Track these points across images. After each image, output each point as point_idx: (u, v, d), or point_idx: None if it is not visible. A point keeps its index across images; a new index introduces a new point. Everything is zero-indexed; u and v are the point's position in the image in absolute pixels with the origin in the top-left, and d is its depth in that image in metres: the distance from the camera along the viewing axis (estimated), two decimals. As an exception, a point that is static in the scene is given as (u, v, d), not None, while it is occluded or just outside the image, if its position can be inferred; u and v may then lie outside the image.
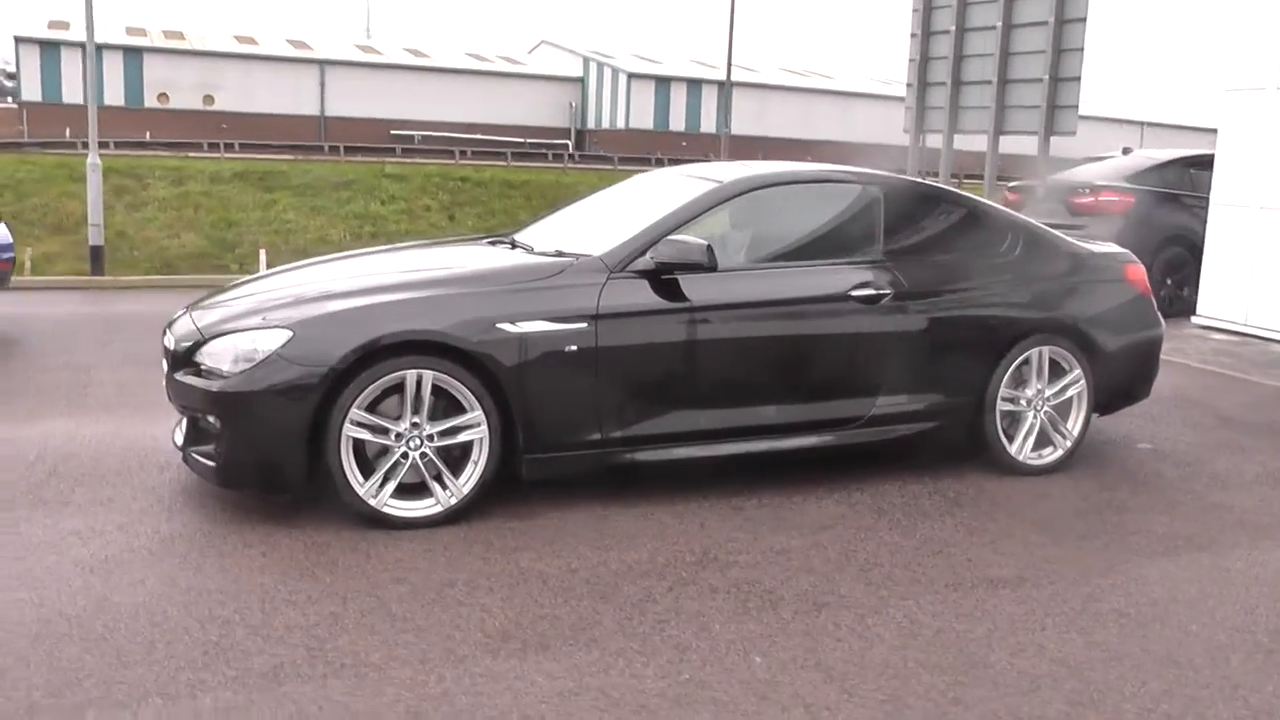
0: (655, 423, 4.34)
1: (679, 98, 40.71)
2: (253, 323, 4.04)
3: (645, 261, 4.29)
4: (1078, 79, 18.65)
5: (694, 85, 41.09)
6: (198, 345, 4.11)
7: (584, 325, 4.15)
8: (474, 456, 4.09)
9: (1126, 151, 11.98)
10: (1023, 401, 4.95)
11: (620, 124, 40.21)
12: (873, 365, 4.63)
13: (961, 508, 4.56)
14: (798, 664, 3.13)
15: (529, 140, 34.67)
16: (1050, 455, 5.02)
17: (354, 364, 3.87)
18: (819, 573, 3.81)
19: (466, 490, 4.09)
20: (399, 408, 4.01)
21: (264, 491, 4.22)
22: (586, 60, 42.35)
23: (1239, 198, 8.65)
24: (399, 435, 4.00)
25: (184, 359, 4.15)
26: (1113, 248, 5.37)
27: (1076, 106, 18.82)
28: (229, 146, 25.23)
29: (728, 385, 4.45)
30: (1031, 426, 4.97)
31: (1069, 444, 5.05)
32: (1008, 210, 5.23)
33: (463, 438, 4.06)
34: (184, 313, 4.48)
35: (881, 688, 3.01)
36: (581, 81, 42.24)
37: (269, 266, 12.55)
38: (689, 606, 3.48)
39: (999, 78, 20.09)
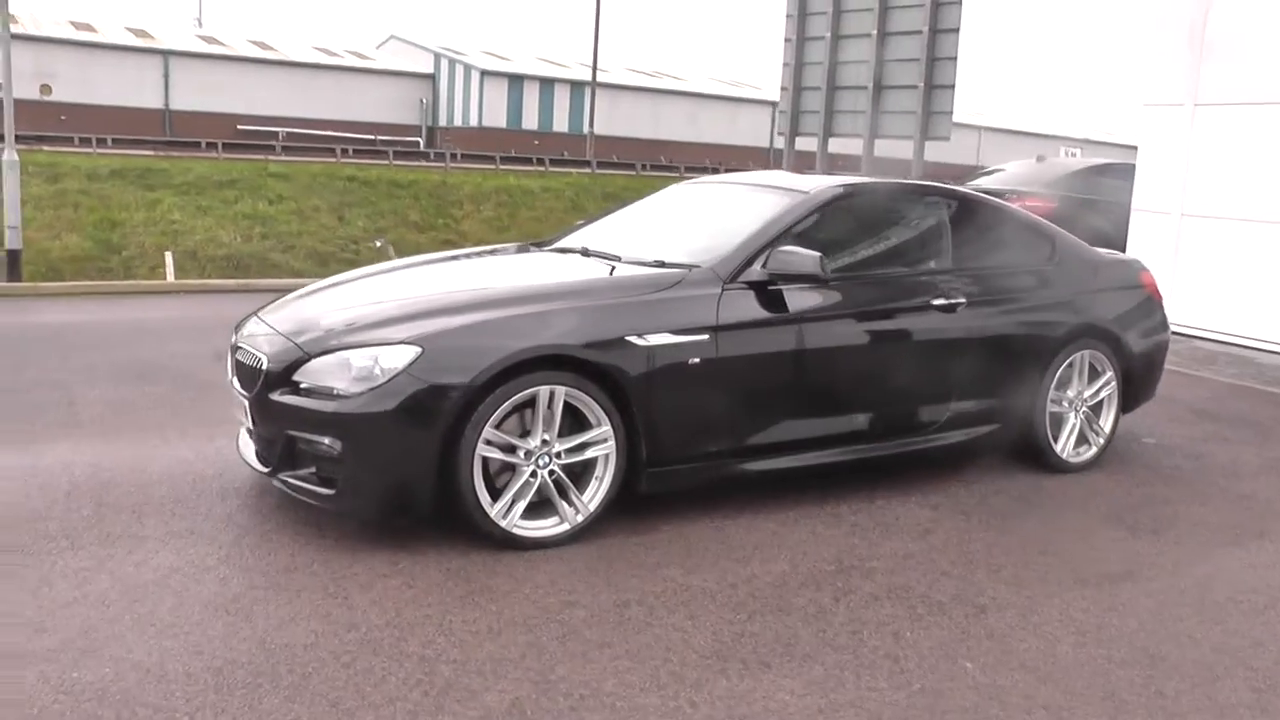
0: (766, 433, 4.34)
1: (532, 96, 40.48)
2: (371, 338, 3.79)
3: (756, 272, 4.27)
4: (951, 86, 19.65)
5: (546, 84, 40.94)
6: (299, 363, 3.83)
7: (705, 337, 4.10)
8: (597, 473, 3.98)
9: (1041, 159, 12.74)
10: (1065, 403, 5.21)
11: (473, 121, 39.62)
12: (948, 371, 4.78)
13: (1034, 506, 4.76)
14: (1004, 666, 3.20)
15: (379, 138, 33.64)
16: (1087, 453, 5.31)
17: (489, 380, 3.70)
18: (955, 575, 3.91)
19: (593, 507, 3.97)
20: (519, 425, 3.85)
21: (389, 518, 3.94)
22: (438, 56, 41.48)
23: (1160, 205, 9.37)
24: (528, 453, 3.85)
25: (281, 378, 3.85)
26: (1124, 255, 5.73)
27: (950, 113, 19.84)
28: (101, 141, 23.45)
29: (828, 394, 4.50)
30: (1073, 427, 5.25)
31: (1102, 442, 5.36)
32: (1045, 220, 5.50)
33: (589, 454, 3.94)
34: (265, 326, 4.15)
35: (1091, 685, 3.13)
36: (433, 78, 41.35)
37: (176, 271, 11.73)
38: (867, 615, 3.50)
39: (874, 84, 21.00)
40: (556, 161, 28.27)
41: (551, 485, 3.88)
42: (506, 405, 3.74)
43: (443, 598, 3.45)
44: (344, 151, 25.21)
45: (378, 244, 14.70)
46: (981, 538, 4.32)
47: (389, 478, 3.73)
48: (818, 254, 4.21)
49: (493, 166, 26.15)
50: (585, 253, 4.80)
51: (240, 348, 4.13)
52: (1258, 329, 8.71)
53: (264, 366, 3.90)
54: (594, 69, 29.05)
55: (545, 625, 3.28)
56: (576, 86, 41.80)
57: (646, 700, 2.87)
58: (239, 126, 33.73)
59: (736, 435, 4.28)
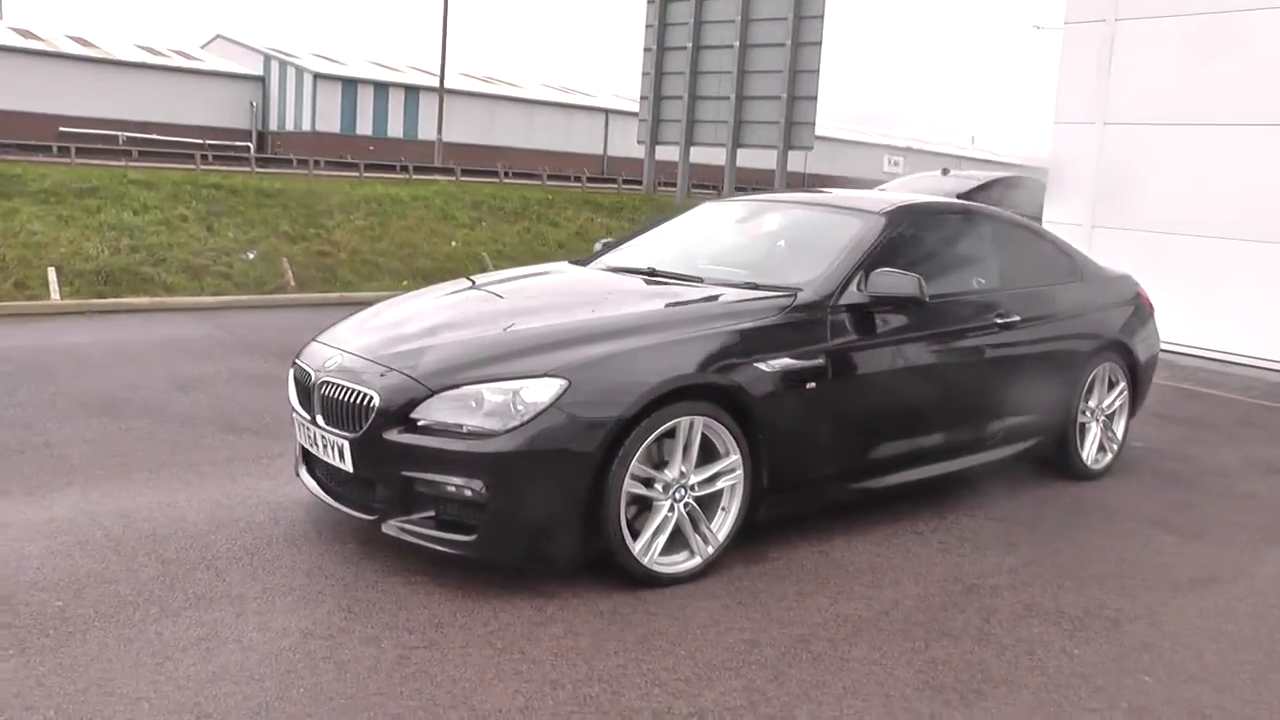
0: (868, 454, 4.33)
1: (366, 100, 39.10)
2: (504, 371, 3.53)
3: (854, 294, 4.25)
4: (814, 98, 20.40)
5: (381, 88, 39.66)
6: (419, 399, 3.53)
7: (820, 361, 4.04)
8: (723, 503, 3.86)
9: (945, 172, 13.29)
10: (1089, 413, 5.45)
11: (305, 126, 37.91)
12: (1008, 387, 4.91)
13: (1084, 515, 4.94)
14: (1177, 678, 3.29)
15: (208, 142, 31.74)
16: (1104, 460, 5.57)
17: (638, 413, 3.52)
18: (1069, 587, 3.99)
19: (722, 538, 3.85)
20: (648, 459, 3.67)
21: (531, 563, 3.66)
22: (267, 58, 39.46)
23: (1072, 216, 9.96)
24: (666, 486, 3.68)
25: (397, 416, 3.54)
26: (1119, 269, 6.04)
27: (813, 123, 20.58)
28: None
29: (918, 413, 4.53)
30: (1094, 436, 5.49)
31: (1116, 448, 5.64)
32: (1063, 239, 5.73)
33: (719, 484, 3.82)
34: (357, 358, 3.80)
35: (1262, 692, 3.26)
36: (262, 80, 39.31)
37: (60, 286, 10.66)
38: (1026, 635, 3.53)
39: (737, 94, 21.48)
40: (377, 167, 27.32)
41: (686, 519, 3.73)
42: (652, 438, 3.58)
43: (620, 644, 3.25)
44: (204, 158, 23.65)
45: (250, 256, 13.89)
46: (1059, 548, 4.45)
47: (535, 520, 3.49)
48: (917, 276, 4.24)
49: (333, 173, 25.07)
50: (653, 273, 4.65)
51: (331, 382, 3.77)
52: (1168, 333, 9.38)
53: (375, 404, 3.57)
54: (441, 74, 28.41)
55: (746, 668, 3.14)
56: (411, 91, 40.76)
57: (903, 741, 2.79)
58: (61, 129, 31.01)
59: (844, 458, 4.25)
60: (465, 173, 25.22)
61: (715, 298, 4.16)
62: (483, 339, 3.76)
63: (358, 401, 3.64)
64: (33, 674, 2.92)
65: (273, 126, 39.07)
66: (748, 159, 22.27)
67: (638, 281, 4.55)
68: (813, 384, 4.01)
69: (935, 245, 4.79)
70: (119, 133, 31.37)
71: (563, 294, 4.44)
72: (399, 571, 3.72)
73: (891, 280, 4.20)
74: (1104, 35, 9.74)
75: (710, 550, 3.81)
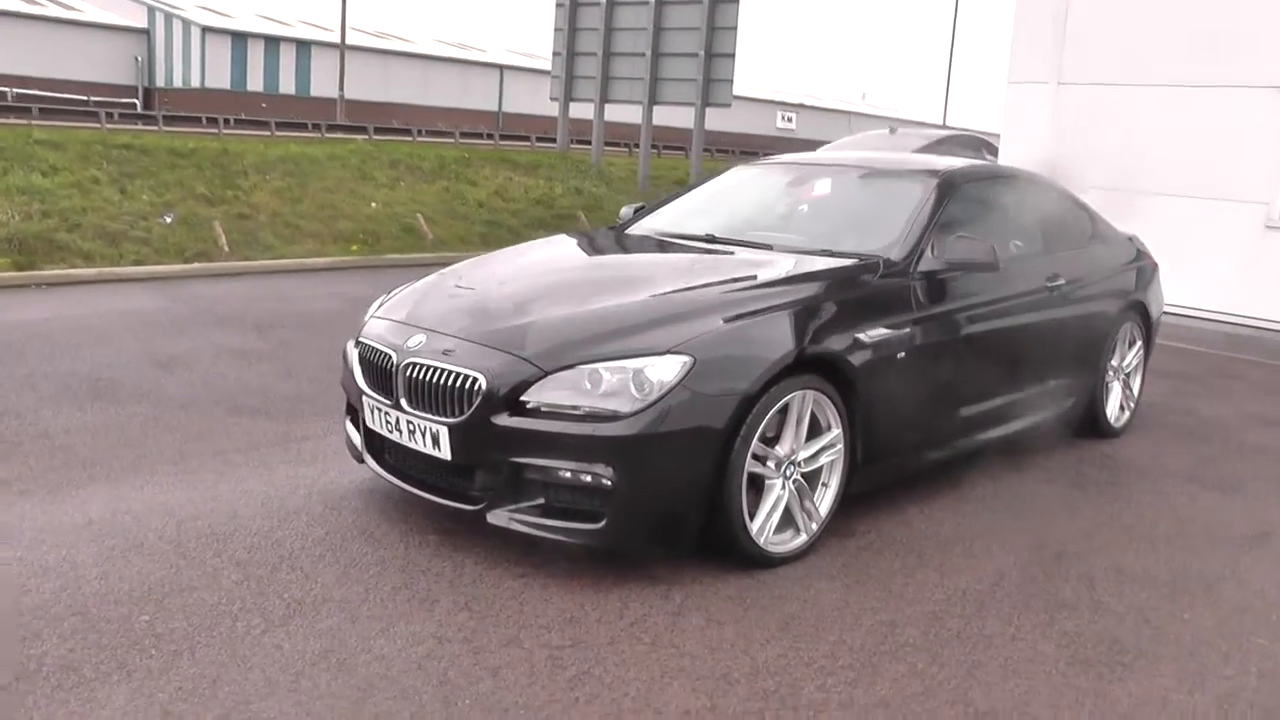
0: (947, 421, 4.31)
1: (256, 56, 37.21)
2: (622, 348, 3.35)
3: (931, 261, 4.19)
4: (732, 55, 20.25)
5: (272, 43, 37.78)
6: (531, 380, 3.33)
7: (907, 330, 3.98)
8: (824, 479, 3.78)
9: (893, 131, 13.35)
10: (1112, 371, 5.55)
11: (194, 82, 35.93)
12: (1057, 349, 4.95)
13: (1124, 474, 5.02)
14: (1295, 637, 3.39)
15: (91, 98, 29.80)
16: (1124, 418, 5.69)
17: (759, 389, 3.40)
18: (1147, 550, 4.04)
19: (824, 515, 3.77)
20: (763, 435, 3.54)
21: (655, 550, 3.53)
22: (152, 10, 37.06)
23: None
24: (778, 464, 3.58)
25: (506, 399, 3.34)
26: (1124, 230, 6.14)
27: (731, 81, 20.43)
28: None
29: (990, 378, 4.53)
30: (1116, 394, 5.60)
31: (1134, 406, 5.76)
32: (1084, 200, 5.77)
33: (822, 460, 3.73)
34: (446, 337, 3.55)
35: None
36: (147, 34, 37.02)
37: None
38: (1136, 602, 3.56)
39: (652, 51, 21.17)
40: (289, 125, 26.20)
41: (796, 496, 3.64)
42: (770, 415, 3.46)
43: (766, 632, 3.14)
44: (110, 115, 22.16)
45: (167, 219, 13.16)
46: (1120, 511, 4.51)
47: (664, 504, 3.34)
48: (990, 242, 4.20)
49: (216, 131, 23.78)
50: (711, 240, 4.51)
51: (422, 364, 3.52)
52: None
53: (481, 386, 3.35)
54: (343, 27, 27.28)
55: (901, 651, 3.08)
56: (303, 46, 39.04)
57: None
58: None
59: (927, 426, 4.22)
60: (379, 130, 24.35)
61: (807, 267, 4.03)
62: (587, 314, 3.57)
63: (458, 384, 3.41)
64: (154, 701, 2.66)
65: (159, 82, 36.92)
66: (658, 117, 21.99)
67: (708, 250, 4.39)
68: (902, 354, 3.94)
69: (983, 209, 4.76)
70: (3, 89, 29.25)
71: (642, 264, 4.26)
72: (499, 563, 3.53)
73: (967, 246, 4.15)
74: (1059, -3, 9.90)
75: (815, 527, 3.73)
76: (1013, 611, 3.41)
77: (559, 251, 4.64)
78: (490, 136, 27.51)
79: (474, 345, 3.47)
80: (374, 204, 16.14)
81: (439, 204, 16.59)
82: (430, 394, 3.49)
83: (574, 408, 3.29)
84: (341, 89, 27.84)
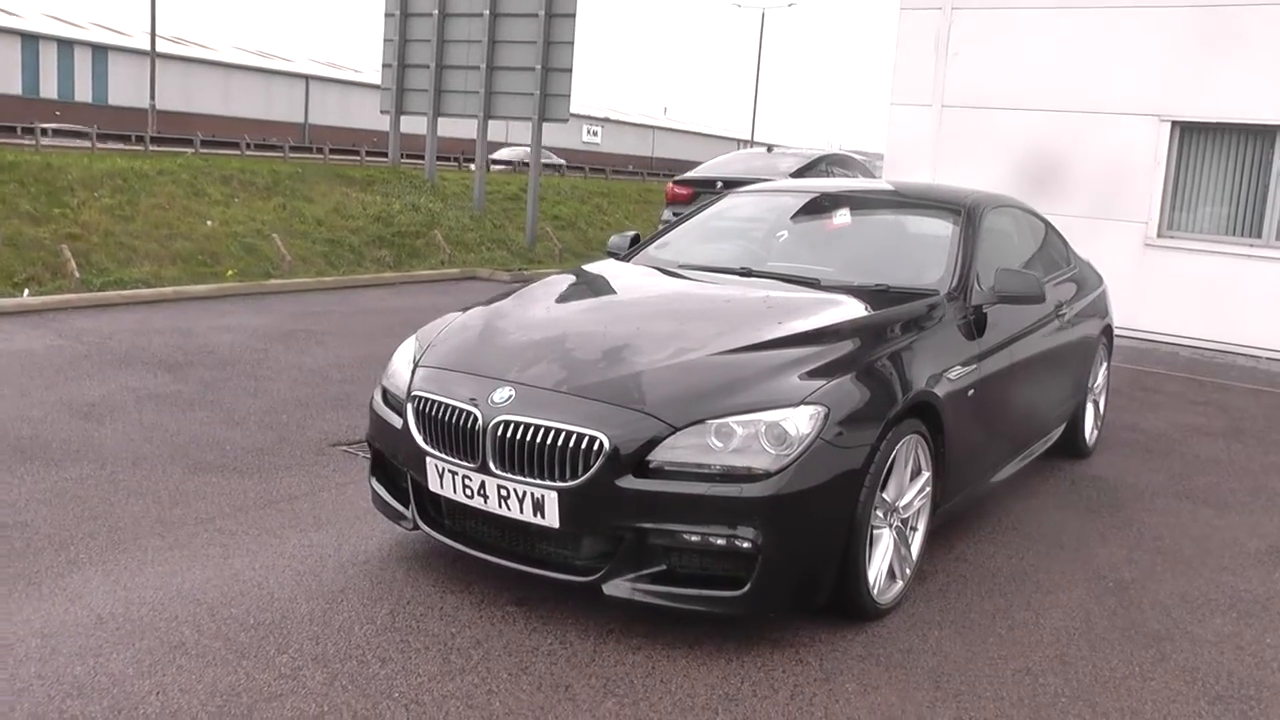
0: (998, 450, 4.31)
1: (49, 60, 34.09)
2: (752, 401, 3.12)
3: (983, 294, 4.17)
4: (569, 70, 20.06)
5: (65, 46, 34.71)
6: (659, 438, 3.05)
7: (974, 366, 3.93)
8: (913, 523, 3.66)
9: (770, 150, 13.47)
10: (1091, 392, 5.73)
11: (-19, 88, 32.61)
12: (1064, 371, 5.06)
13: (1124, 492, 5.18)
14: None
15: None
16: (1094, 437, 5.90)
17: (879, 436, 3.25)
18: (1179, 571, 4.15)
19: (916, 559, 3.66)
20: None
21: (791, 612, 3.33)
22: (-81, 5, 33.40)
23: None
24: (886, 511, 3.44)
25: (631, 459, 3.04)
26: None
27: (568, 96, 20.23)
28: None
29: (1030, 406, 4.57)
30: (1091, 414, 5.78)
31: (1100, 424, 5.98)
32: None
33: (916, 504, 3.62)
34: (541, 391, 3.21)
35: None
36: (-79, 33, 33.25)
37: None
38: (1221, 630, 3.63)
39: (487, 64, 20.70)
40: (110, 137, 24.40)
41: (896, 543, 3.52)
42: (888, 463, 3.32)
43: (921, 692, 2.99)
44: None
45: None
46: (1140, 534, 4.61)
47: (802, 564, 3.13)
48: (1037, 274, 4.22)
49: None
50: (748, 273, 4.33)
51: (520, 422, 3.16)
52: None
53: (604, 446, 3.05)
54: (152, 31, 25.41)
55: (1057, 701, 2.99)
56: (99, 50, 36.18)
57: None
58: None
59: (987, 460, 4.19)
60: (205, 144, 22.81)
61: (885, 306, 3.88)
62: (702, 363, 3.30)
63: (571, 444, 3.09)
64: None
65: (-63, 86, 33.32)
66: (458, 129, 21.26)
67: (762, 285, 4.18)
68: (972, 390, 3.89)
69: (1000, 238, 4.80)
70: None
71: (707, 302, 3.99)
72: (608, 634, 3.23)
73: (1018, 281, 4.15)
74: (941, 23, 10.29)
75: (909, 573, 3.62)
76: (1122, 648, 3.41)
77: (601, 290, 4.33)
78: (320, 150, 26.25)
79: (582, 400, 3.16)
80: (209, 222, 15.06)
81: (277, 221, 15.62)
82: (530, 456, 3.14)
83: (703, 466, 3.04)
84: (153, 98, 25.91)
